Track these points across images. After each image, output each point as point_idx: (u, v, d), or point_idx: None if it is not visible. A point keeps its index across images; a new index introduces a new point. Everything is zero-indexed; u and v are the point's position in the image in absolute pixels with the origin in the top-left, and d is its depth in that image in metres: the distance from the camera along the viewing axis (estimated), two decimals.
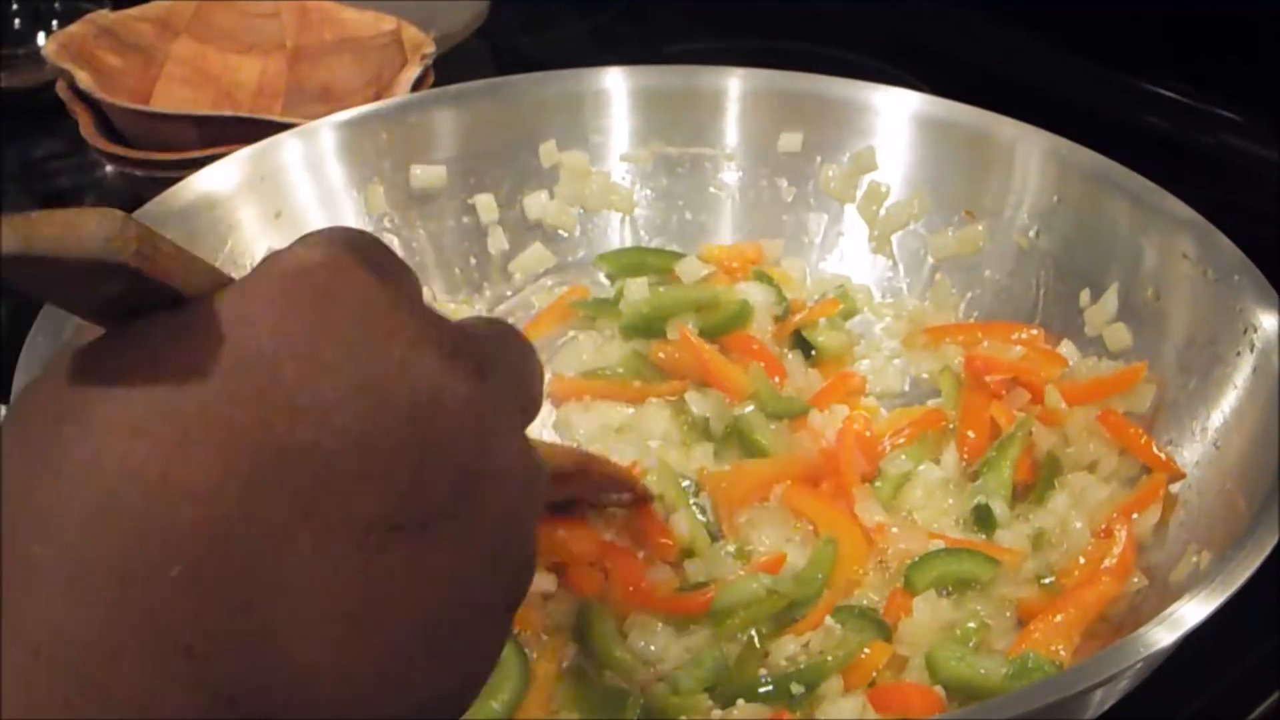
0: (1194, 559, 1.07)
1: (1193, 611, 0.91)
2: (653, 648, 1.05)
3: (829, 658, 1.04)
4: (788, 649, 1.06)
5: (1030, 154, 1.41)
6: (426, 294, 1.45)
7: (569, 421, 1.33)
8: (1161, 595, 1.04)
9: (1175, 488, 1.18)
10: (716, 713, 1.00)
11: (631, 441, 1.28)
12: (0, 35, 1.86)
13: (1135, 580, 1.12)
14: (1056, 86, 1.69)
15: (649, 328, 1.38)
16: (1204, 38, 1.61)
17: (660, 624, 1.07)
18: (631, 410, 1.33)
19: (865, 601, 1.12)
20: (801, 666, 1.03)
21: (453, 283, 1.51)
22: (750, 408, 1.27)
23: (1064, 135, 1.40)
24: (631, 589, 1.09)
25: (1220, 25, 1.58)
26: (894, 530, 1.16)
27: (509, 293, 1.52)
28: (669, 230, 1.55)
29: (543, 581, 1.09)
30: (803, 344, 1.40)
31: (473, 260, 1.52)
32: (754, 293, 1.40)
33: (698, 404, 1.29)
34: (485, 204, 1.51)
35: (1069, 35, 1.73)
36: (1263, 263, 1.21)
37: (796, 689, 1.01)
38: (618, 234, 1.55)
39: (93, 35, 1.69)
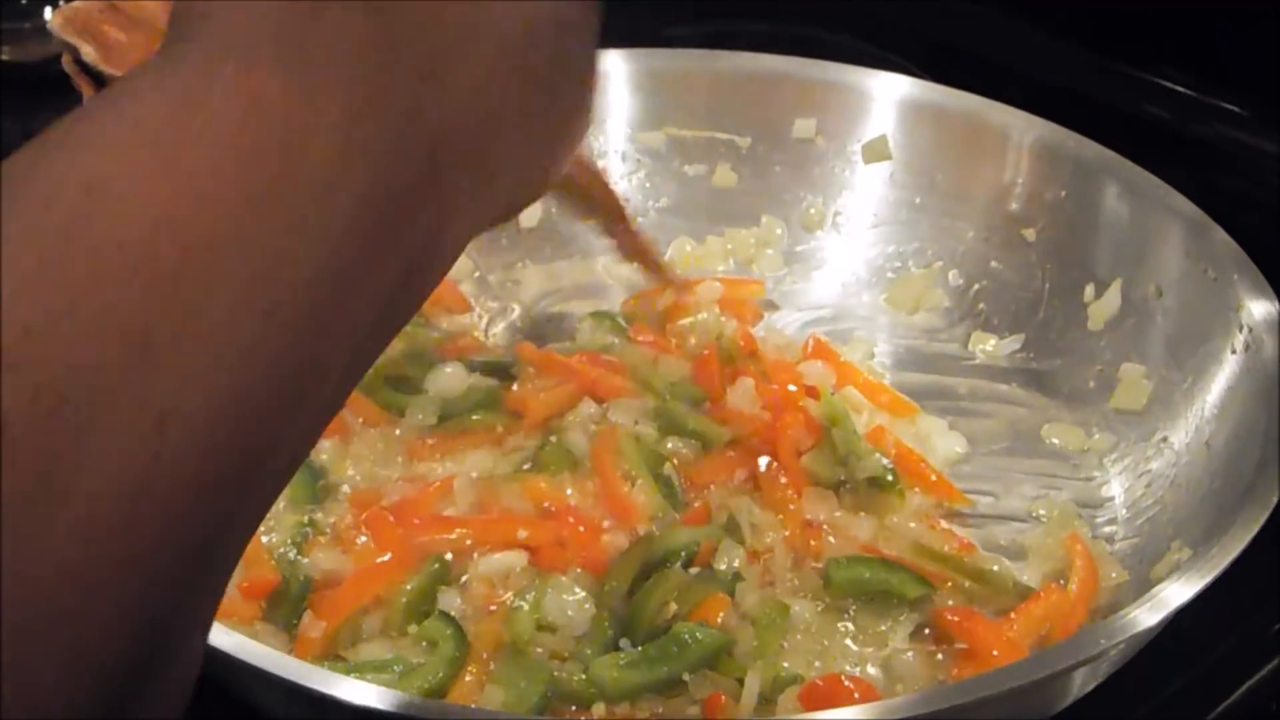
0: (1176, 555, 1.07)
1: (1173, 595, 0.91)
2: (568, 612, 1.05)
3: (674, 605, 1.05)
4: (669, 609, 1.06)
5: (1037, 146, 1.41)
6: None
7: None
8: (1143, 589, 1.03)
9: (1164, 483, 1.19)
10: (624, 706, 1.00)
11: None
12: (5, 9, 1.86)
13: (1114, 575, 1.13)
14: (1055, 76, 1.69)
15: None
16: (1203, 28, 1.60)
17: (575, 588, 1.07)
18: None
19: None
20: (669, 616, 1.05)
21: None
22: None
23: (1062, 125, 1.40)
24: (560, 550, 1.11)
25: (1220, 15, 1.58)
26: (830, 539, 1.15)
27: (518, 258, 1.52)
28: (679, 212, 1.55)
29: (513, 559, 1.10)
30: None
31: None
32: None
33: (621, 413, 1.25)
34: None
35: (1068, 24, 1.73)
36: (1259, 255, 1.21)
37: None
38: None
39: (98, 10, 1.70)
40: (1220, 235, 1.24)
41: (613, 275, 1.50)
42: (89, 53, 1.63)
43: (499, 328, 1.45)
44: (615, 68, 1.52)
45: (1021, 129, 1.42)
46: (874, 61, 1.53)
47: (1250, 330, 1.15)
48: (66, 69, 1.64)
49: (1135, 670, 0.98)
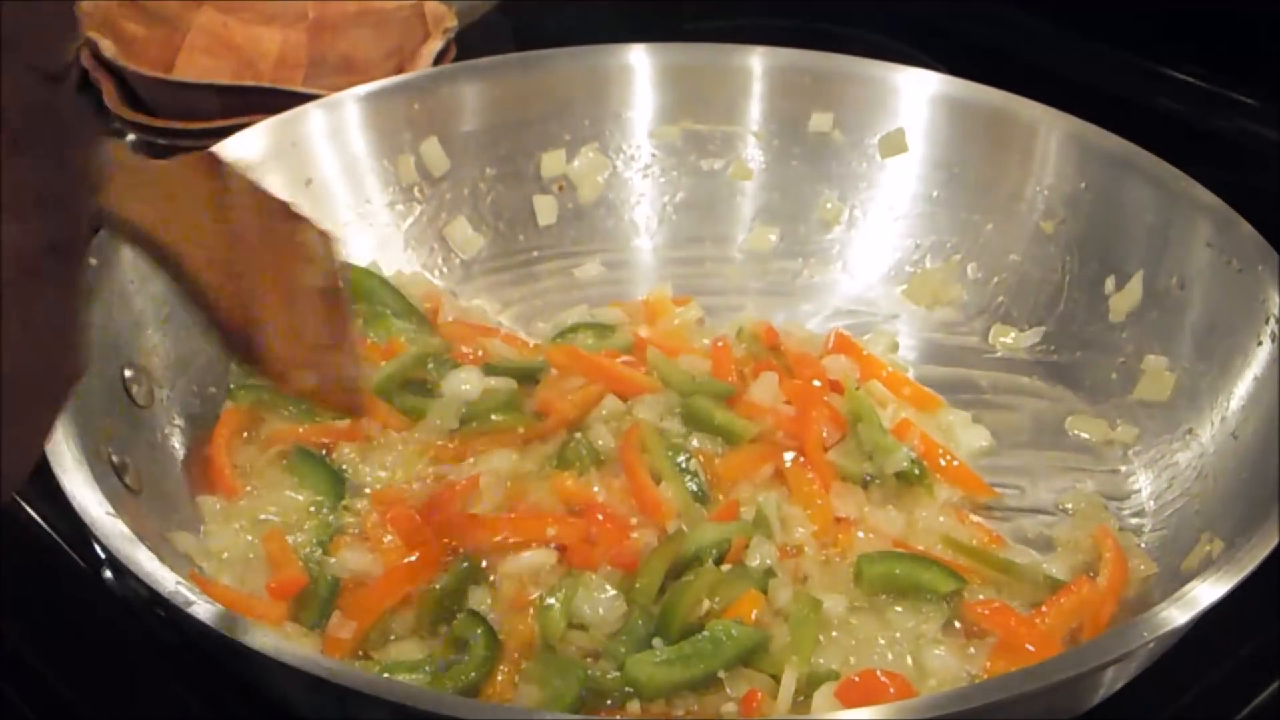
0: (1206, 548, 1.07)
1: (1206, 593, 0.91)
2: (600, 610, 1.04)
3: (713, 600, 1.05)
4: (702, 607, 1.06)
5: (1057, 139, 1.41)
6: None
7: None
8: (1173, 581, 1.03)
9: (1191, 475, 1.18)
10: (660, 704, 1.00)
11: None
12: None
13: (1143, 568, 1.12)
14: (1072, 70, 1.69)
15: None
16: (1220, 22, 1.60)
17: (606, 585, 1.06)
18: None
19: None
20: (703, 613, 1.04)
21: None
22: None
23: (1083, 119, 1.40)
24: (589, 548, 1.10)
25: (1236, 9, 1.58)
26: (860, 534, 1.15)
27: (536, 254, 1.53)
28: (696, 207, 1.55)
29: (543, 557, 1.09)
30: None
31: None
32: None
33: (646, 410, 1.24)
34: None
35: (1084, 18, 1.73)
36: (1275, 245, 1.21)
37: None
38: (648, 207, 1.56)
39: (117, 4, 1.70)
40: (1244, 227, 1.24)
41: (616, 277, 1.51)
42: (108, 47, 1.63)
43: (515, 327, 1.44)
44: (633, 62, 1.52)
45: (1043, 122, 1.42)
46: (903, 59, 1.52)
47: (1277, 321, 1.15)
48: (84, 63, 1.64)
49: (1164, 669, 0.97)
